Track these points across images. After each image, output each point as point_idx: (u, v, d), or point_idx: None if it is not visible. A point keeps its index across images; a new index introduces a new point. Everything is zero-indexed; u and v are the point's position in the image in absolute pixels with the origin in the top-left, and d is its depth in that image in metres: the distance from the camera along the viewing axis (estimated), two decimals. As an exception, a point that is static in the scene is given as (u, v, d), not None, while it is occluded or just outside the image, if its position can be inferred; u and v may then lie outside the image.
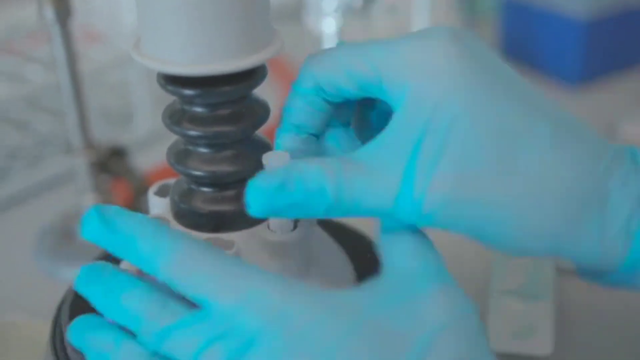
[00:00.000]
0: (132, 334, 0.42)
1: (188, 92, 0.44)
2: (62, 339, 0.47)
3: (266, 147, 0.47)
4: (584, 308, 0.64)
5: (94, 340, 0.42)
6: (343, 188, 0.42)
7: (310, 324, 0.39)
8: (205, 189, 0.47)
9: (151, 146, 0.91)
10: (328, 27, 0.81)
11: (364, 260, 0.52)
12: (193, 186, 0.47)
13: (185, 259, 0.41)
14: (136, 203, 0.76)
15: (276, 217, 0.44)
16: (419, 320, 0.40)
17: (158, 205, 0.50)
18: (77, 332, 0.43)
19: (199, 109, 0.45)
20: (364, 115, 0.49)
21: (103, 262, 0.44)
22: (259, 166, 0.46)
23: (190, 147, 0.46)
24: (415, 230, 0.44)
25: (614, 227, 0.43)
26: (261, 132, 0.48)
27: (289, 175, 0.42)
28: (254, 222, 0.47)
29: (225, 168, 0.45)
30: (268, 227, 0.47)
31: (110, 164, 0.75)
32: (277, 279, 0.40)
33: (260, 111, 0.47)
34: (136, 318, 0.41)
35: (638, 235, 0.43)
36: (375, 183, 0.42)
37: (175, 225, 0.47)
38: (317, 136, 0.48)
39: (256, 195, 0.42)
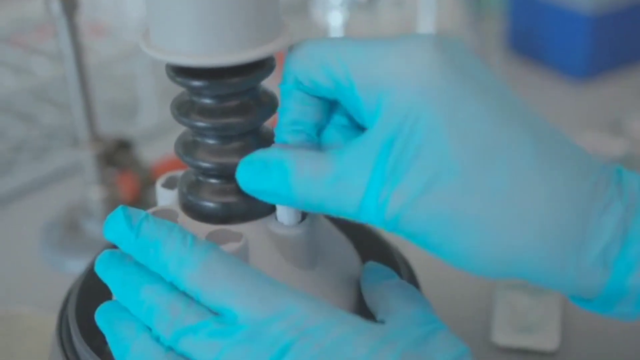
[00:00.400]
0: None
1: (197, 83, 0.44)
2: (68, 331, 0.47)
3: (273, 139, 0.47)
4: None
5: (118, 325, 0.43)
6: (309, 187, 0.42)
7: (340, 340, 0.40)
8: (213, 181, 0.47)
9: (157, 138, 0.91)
10: (334, 20, 0.81)
11: (371, 253, 0.52)
12: (201, 178, 0.47)
13: (214, 269, 0.41)
14: (142, 195, 0.76)
15: (259, 198, 0.44)
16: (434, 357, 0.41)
17: (166, 197, 0.50)
18: (105, 314, 0.44)
19: (207, 101, 0.45)
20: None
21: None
22: None
23: (199, 139, 0.46)
24: (396, 278, 0.46)
25: (590, 255, 0.41)
26: (269, 123, 0.48)
27: (269, 159, 0.43)
28: (262, 213, 0.47)
29: (233, 159, 0.45)
30: (276, 219, 0.47)
31: (117, 156, 0.75)
32: (304, 295, 0.41)
33: (268, 103, 0.46)
34: (153, 311, 0.42)
35: (616, 265, 0.41)
36: (341, 187, 0.42)
37: (183, 217, 0.47)
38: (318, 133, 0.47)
39: (242, 172, 0.44)
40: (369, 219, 0.42)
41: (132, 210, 0.43)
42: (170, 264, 0.42)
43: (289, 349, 0.39)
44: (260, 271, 0.42)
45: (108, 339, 0.43)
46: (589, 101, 0.99)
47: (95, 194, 0.74)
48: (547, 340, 0.60)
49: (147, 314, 0.42)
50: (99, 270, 0.44)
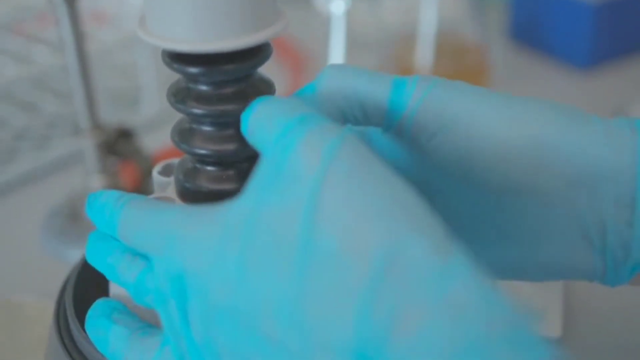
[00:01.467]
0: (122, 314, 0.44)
1: (193, 70, 0.44)
2: (65, 319, 0.47)
3: None
4: (594, 290, 0.64)
5: (93, 328, 0.44)
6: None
7: (213, 245, 0.38)
8: (209, 168, 0.46)
9: (159, 127, 0.91)
10: (336, 8, 0.81)
11: None
12: (197, 165, 0.47)
13: (127, 220, 0.42)
14: (144, 184, 0.76)
15: None
16: (296, 183, 0.36)
17: (162, 184, 0.49)
18: (87, 323, 0.45)
19: (203, 87, 0.45)
20: None
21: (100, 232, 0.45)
22: None
23: (195, 126, 0.46)
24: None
25: (613, 119, 0.42)
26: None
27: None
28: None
29: (230, 147, 0.45)
30: None
31: (118, 145, 0.75)
32: (184, 213, 0.40)
33: (266, 90, 0.46)
34: (117, 275, 0.43)
35: None
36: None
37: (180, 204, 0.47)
38: None
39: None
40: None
41: (97, 192, 0.46)
42: (107, 223, 0.43)
43: (187, 279, 0.39)
44: (167, 205, 0.42)
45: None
46: (592, 90, 0.99)
47: (97, 183, 0.74)
48: (550, 327, 0.60)
49: (117, 279, 0.43)
50: (89, 257, 0.45)
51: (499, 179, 0.43)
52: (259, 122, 0.40)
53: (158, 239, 0.41)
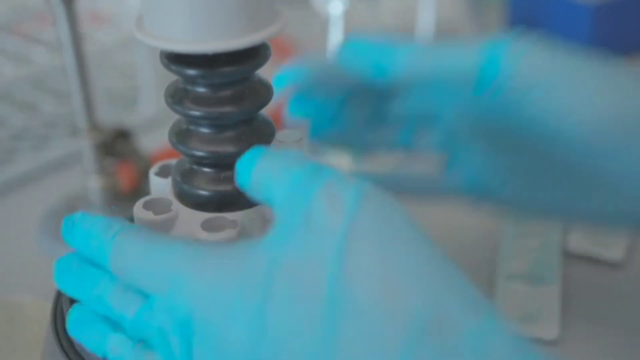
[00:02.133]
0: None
1: (191, 72, 0.43)
2: (62, 319, 0.47)
3: (270, 128, 0.47)
4: (590, 292, 0.64)
5: (86, 334, 0.43)
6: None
7: (229, 294, 0.37)
8: (206, 169, 0.46)
9: (156, 128, 0.90)
10: (335, 9, 0.81)
11: None
12: (195, 166, 0.47)
13: (122, 252, 0.40)
14: (141, 185, 0.76)
15: None
16: (320, 235, 0.36)
17: (159, 185, 0.49)
18: (73, 327, 0.43)
19: (201, 89, 0.45)
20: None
21: (73, 255, 0.44)
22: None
23: (192, 127, 0.46)
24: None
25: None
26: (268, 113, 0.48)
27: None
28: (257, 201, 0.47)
29: (227, 149, 0.45)
30: None
31: (116, 145, 0.75)
32: (192, 253, 0.39)
33: (264, 92, 0.46)
34: (109, 307, 0.41)
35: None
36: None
37: (178, 206, 0.47)
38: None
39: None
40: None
41: (73, 215, 0.43)
42: (97, 255, 0.42)
43: (193, 320, 0.38)
44: (161, 236, 0.41)
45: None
46: (590, 91, 0.99)
47: (94, 183, 0.74)
48: (547, 329, 0.60)
49: (108, 311, 0.41)
50: (58, 283, 0.44)
51: (581, 146, 0.45)
52: (264, 175, 0.39)
53: (160, 277, 0.39)
